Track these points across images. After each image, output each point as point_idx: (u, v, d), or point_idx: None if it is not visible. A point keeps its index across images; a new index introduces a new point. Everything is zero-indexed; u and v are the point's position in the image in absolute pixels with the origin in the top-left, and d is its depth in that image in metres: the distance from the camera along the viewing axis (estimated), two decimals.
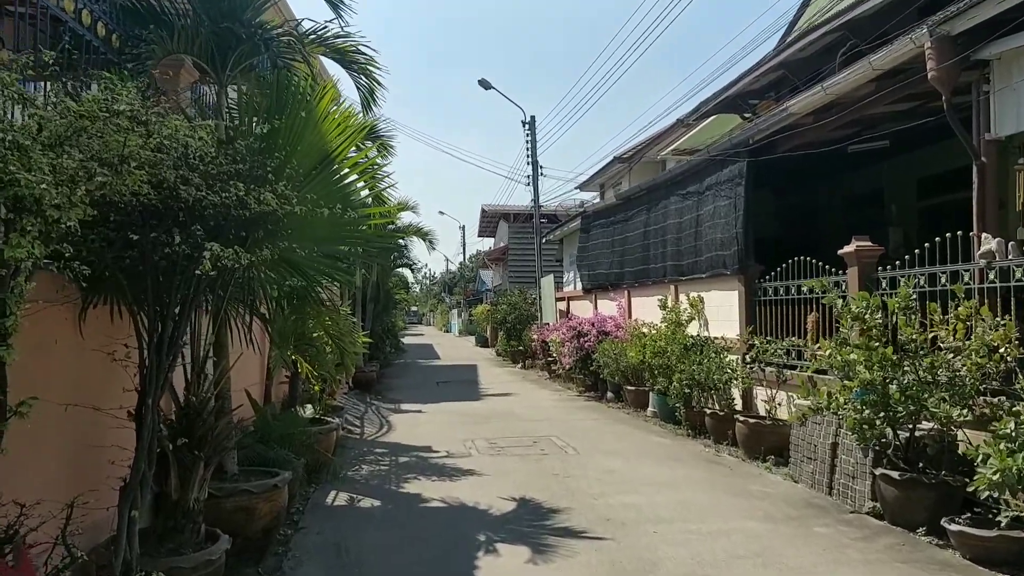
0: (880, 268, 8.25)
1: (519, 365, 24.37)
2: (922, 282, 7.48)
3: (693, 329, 12.61)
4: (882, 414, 6.38)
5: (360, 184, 4.86)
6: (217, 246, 3.27)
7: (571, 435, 10.70)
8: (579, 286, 21.28)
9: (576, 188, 28.44)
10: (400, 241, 21.04)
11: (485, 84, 24.04)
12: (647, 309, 14.96)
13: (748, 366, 10.19)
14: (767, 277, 10.67)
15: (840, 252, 8.78)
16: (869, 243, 8.52)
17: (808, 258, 9.48)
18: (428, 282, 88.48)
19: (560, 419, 12.51)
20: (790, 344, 9.48)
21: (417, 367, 25.47)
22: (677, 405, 11.06)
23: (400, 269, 27.63)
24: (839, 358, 6.62)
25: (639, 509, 6.71)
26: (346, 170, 4.51)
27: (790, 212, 15.85)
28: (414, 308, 76.58)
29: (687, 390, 10.91)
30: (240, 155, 3.76)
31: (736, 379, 10.05)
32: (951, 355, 6.33)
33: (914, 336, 6.31)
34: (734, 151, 11.16)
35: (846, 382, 6.49)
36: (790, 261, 9.94)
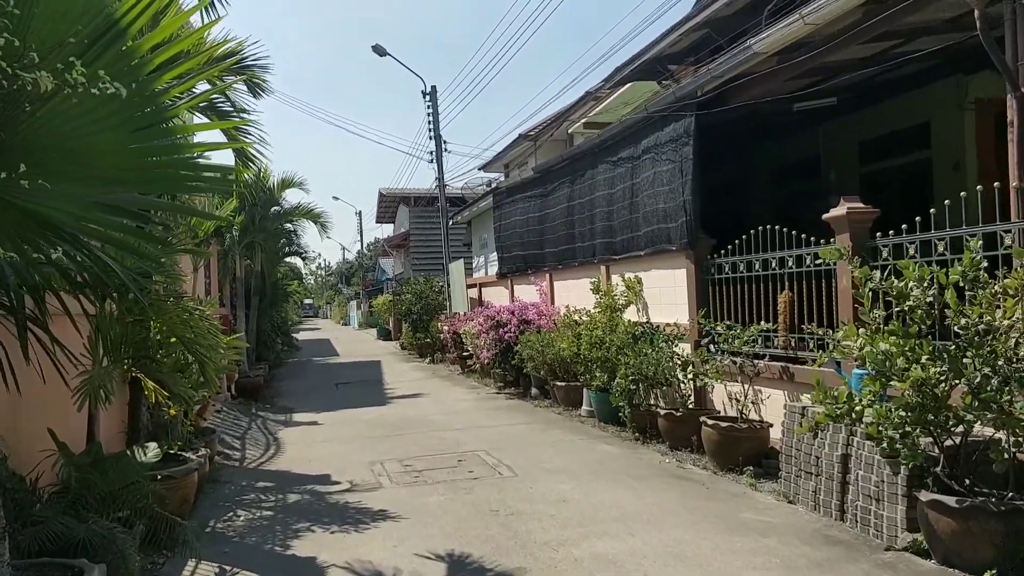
0: (880, 234, 6.78)
1: (427, 359, 22.40)
2: (941, 249, 6.06)
3: (631, 315, 11.04)
4: (930, 418, 4.87)
5: (181, 95, 2.84)
6: None
7: (502, 447, 8.89)
8: (492, 271, 19.51)
9: (479, 169, 26.69)
10: (288, 225, 18.64)
11: (380, 51, 21.81)
12: (573, 294, 13.33)
13: (708, 357, 8.61)
14: (720, 252, 9.17)
15: (826, 217, 7.29)
16: (862, 204, 7.05)
17: (781, 227, 7.98)
18: (323, 273, 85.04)
19: (484, 425, 10.69)
20: (758, 330, 7.97)
21: (313, 366, 23.08)
22: (621, 404, 9.43)
23: (290, 258, 25.08)
24: (872, 349, 5.04)
25: (618, 565, 4.96)
26: (146, 52, 2.48)
27: (714, 185, 14.53)
28: (308, 301, 72.99)
29: (632, 386, 9.29)
30: None
31: (700, 373, 8.44)
32: (1013, 339, 4.86)
33: (980, 317, 4.78)
34: (679, 105, 9.56)
35: (895, 382, 4.92)
36: (752, 232, 8.43)
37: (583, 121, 18.24)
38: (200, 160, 2.66)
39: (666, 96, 9.98)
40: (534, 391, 13.49)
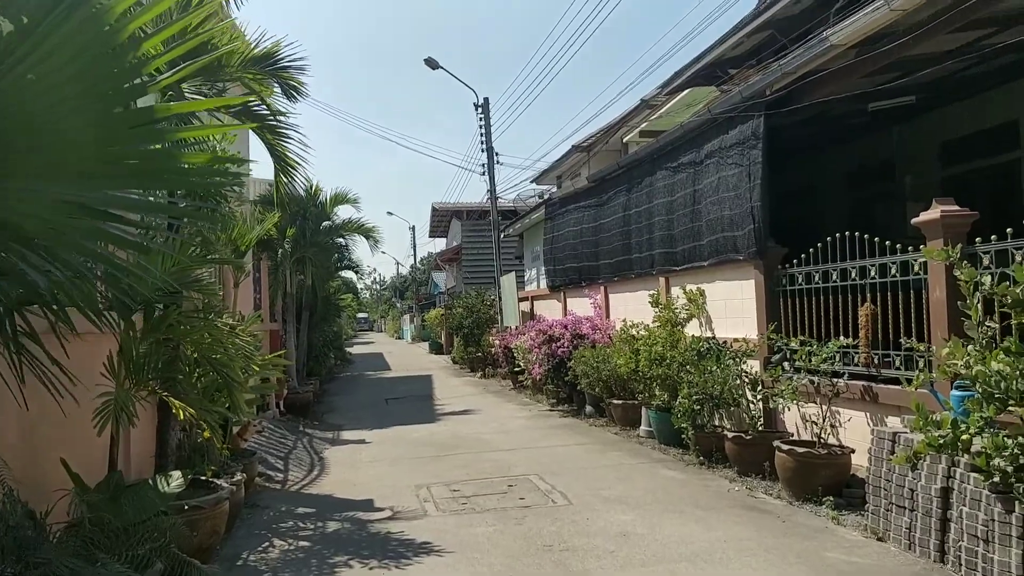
0: (980, 240, 6.05)
1: (479, 374, 21.96)
2: None
3: (692, 329, 10.39)
4: None
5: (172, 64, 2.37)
6: None
7: (556, 471, 8.34)
8: (543, 284, 18.99)
9: (531, 182, 26.30)
10: (340, 240, 18.44)
11: (432, 64, 21.60)
12: (630, 307, 12.72)
13: (781, 375, 7.90)
14: (790, 263, 8.51)
15: (916, 221, 6.60)
16: (957, 207, 6.34)
17: (860, 234, 7.31)
18: (378, 287, 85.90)
19: (537, 445, 10.14)
20: (838, 346, 7.27)
21: (365, 381, 22.86)
22: (684, 425, 8.80)
23: (344, 272, 24.97)
24: (984, 368, 4.38)
25: None
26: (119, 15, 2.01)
27: (780, 192, 13.75)
28: (363, 315, 73.46)
29: (696, 407, 8.66)
30: None
31: (775, 394, 7.77)
32: None
33: None
34: (746, 105, 8.94)
35: (1012, 407, 4.25)
36: (828, 239, 7.77)
37: (639, 129, 17.64)
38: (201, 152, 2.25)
39: (731, 96, 9.35)
40: (588, 409, 12.91)
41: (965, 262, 5.07)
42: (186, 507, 5.06)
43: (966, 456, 4.88)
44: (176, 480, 4.62)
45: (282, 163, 5.95)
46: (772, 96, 8.67)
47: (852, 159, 13.20)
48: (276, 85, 5.85)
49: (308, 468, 9.32)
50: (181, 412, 4.90)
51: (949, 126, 11.25)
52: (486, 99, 22.39)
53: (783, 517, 6.30)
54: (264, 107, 5.80)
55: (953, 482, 5.19)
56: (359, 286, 49.83)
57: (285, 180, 6.12)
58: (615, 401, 11.45)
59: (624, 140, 19.01)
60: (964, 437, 4.59)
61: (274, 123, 5.79)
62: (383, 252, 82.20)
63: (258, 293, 14.70)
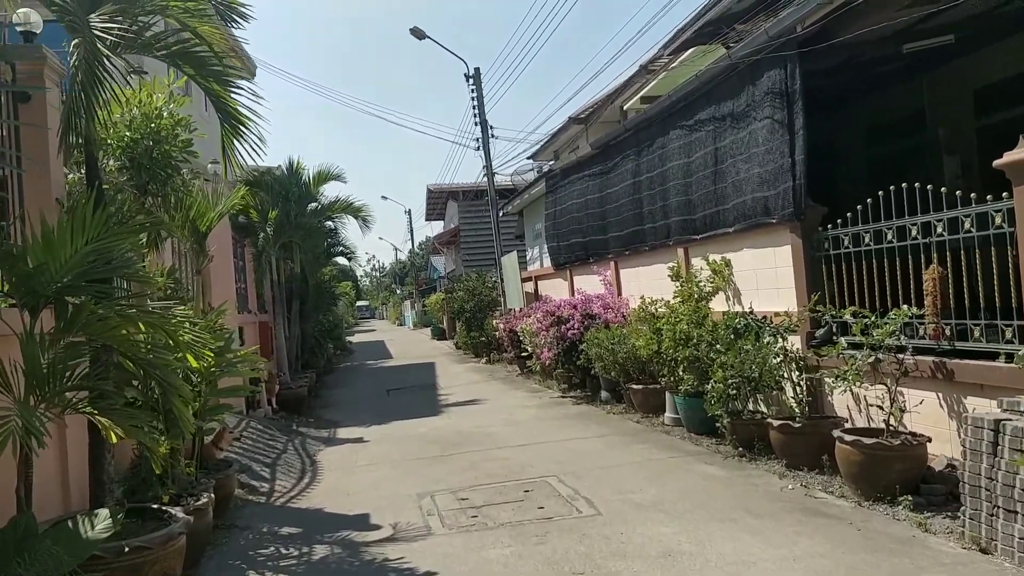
0: None
1: (483, 359, 20.95)
2: None
3: (718, 304, 9.34)
4: None
5: None
6: None
7: (577, 471, 7.31)
8: (547, 262, 17.92)
9: (528, 158, 25.22)
10: (328, 223, 17.32)
11: (419, 34, 20.38)
12: (643, 283, 11.69)
13: (845, 353, 6.78)
14: (831, 224, 7.46)
15: (999, 163, 5.51)
16: None
17: (924, 186, 6.25)
18: (378, 274, 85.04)
19: (552, 439, 9.11)
20: (904, 317, 6.21)
21: (365, 371, 21.86)
22: (718, 413, 7.78)
23: (338, 258, 23.83)
24: None
25: None
26: None
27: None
28: (363, 302, 72.29)
29: (732, 391, 7.64)
30: None
31: (839, 375, 6.64)
32: None
33: None
34: (774, 45, 7.83)
35: None
36: (880, 194, 6.71)
37: (640, 95, 16.61)
38: None
39: (756, 36, 8.23)
40: (604, 394, 11.89)
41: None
42: (127, 549, 4.02)
43: None
44: (103, 521, 3.58)
45: (232, 119, 4.85)
46: (804, 33, 7.57)
47: (878, 112, 12.08)
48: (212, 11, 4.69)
49: (298, 475, 8.29)
50: (112, 432, 3.84)
51: (986, 71, 10.13)
52: (477, 69, 21.21)
53: (856, 524, 5.27)
54: (206, 48, 4.70)
55: None
56: (358, 273, 48.73)
57: (237, 143, 5.00)
58: (635, 386, 10.42)
59: (624, 108, 17.96)
60: None
61: (218, 68, 4.69)
62: (380, 238, 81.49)
63: (241, 282, 13.64)
